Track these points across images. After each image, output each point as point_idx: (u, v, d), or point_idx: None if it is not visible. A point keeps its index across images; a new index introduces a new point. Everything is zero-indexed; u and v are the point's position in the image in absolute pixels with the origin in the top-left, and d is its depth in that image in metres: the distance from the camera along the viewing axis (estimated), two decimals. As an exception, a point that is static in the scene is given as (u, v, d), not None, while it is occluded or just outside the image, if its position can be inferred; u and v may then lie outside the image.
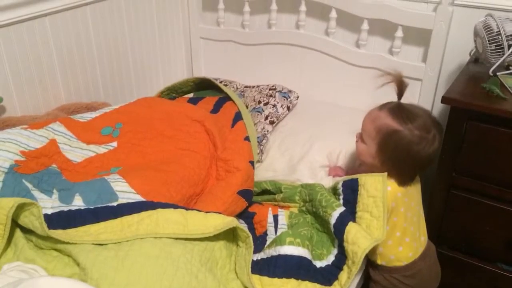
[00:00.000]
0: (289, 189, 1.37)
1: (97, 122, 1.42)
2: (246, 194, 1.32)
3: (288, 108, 1.71)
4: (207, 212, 1.12)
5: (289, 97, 1.72)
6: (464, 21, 1.52)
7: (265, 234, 1.28)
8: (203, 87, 1.79)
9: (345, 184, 1.24)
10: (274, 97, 1.70)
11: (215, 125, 1.45)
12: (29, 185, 1.18)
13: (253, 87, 1.81)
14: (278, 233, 1.25)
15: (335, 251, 1.18)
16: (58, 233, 1.03)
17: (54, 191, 1.18)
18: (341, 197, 1.23)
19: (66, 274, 1.00)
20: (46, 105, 1.54)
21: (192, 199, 1.29)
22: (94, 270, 0.94)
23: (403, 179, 1.18)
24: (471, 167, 1.30)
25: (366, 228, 1.14)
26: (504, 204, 1.29)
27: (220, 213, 1.15)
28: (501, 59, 1.31)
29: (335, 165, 1.50)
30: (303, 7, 1.74)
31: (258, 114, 1.66)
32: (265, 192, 1.43)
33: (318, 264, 1.16)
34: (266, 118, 1.64)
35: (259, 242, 1.24)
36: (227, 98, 1.65)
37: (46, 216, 1.07)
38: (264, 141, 1.60)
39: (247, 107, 1.70)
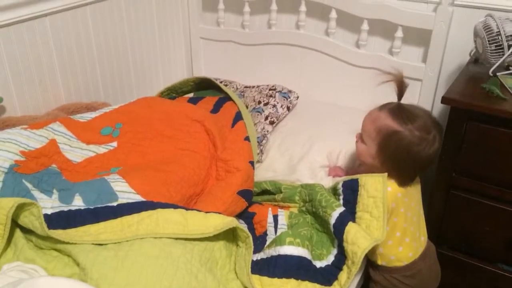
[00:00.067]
0: (289, 189, 1.37)
1: (97, 122, 1.42)
2: (246, 194, 1.32)
3: (288, 108, 1.71)
4: (207, 212, 1.12)
5: (289, 97, 1.72)
6: (464, 22, 1.52)
7: (265, 234, 1.28)
8: (203, 87, 1.79)
9: (345, 184, 1.24)
10: (274, 97, 1.70)
11: (215, 125, 1.45)
12: (29, 185, 1.18)
13: (253, 87, 1.81)
14: (278, 233, 1.25)
15: (335, 251, 1.18)
16: (58, 233, 1.03)
17: (54, 191, 1.18)
18: (341, 197, 1.23)
19: (66, 274, 1.00)
20: (46, 105, 1.54)
21: (192, 199, 1.29)
22: (94, 270, 0.94)
23: (403, 180, 1.18)
24: (471, 167, 1.30)
25: (366, 229, 1.14)
26: (504, 204, 1.29)
27: (220, 213, 1.15)
28: (501, 60, 1.31)
29: (335, 165, 1.50)
30: (303, 7, 1.74)
31: (258, 114, 1.66)
32: (265, 192, 1.43)
33: (318, 264, 1.16)
34: (266, 118, 1.64)
35: (259, 242, 1.24)
36: (227, 98, 1.65)
37: (46, 216, 1.07)
38: (264, 141, 1.60)
39: (247, 107, 1.70)
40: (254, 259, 1.16)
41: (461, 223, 1.38)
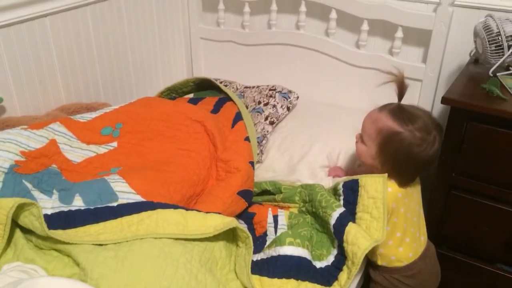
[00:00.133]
0: (289, 190, 1.37)
1: (97, 122, 1.42)
2: (246, 194, 1.32)
3: (288, 109, 1.71)
4: (207, 212, 1.12)
5: (289, 98, 1.72)
6: (464, 22, 1.52)
7: (265, 234, 1.28)
8: (203, 88, 1.79)
9: (346, 185, 1.24)
10: (274, 97, 1.70)
11: (215, 125, 1.45)
12: (29, 185, 1.18)
13: (253, 87, 1.81)
14: (278, 233, 1.25)
15: (335, 251, 1.18)
16: (58, 234, 1.03)
17: (54, 191, 1.18)
18: (341, 197, 1.23)
19: (66, 274, 1.00)
20: (46, 106, 1.54)
21: (192, 199, 1.29)
22: (94, 270, 0.94)
23: (404, 180, 1.18)
24: (471, 167, 1.30)
25: (366, 229, 1.14)
26: (504, 204, 1.29)
27: (220, 213, 1.15)
28: (501, 60, 1.31)
29: (335, 165, 1.50)
30: (303, 8, 1.74)
31: (258, 115, 1.66)
32: (265, 192, 1.43)
33: (318, 264, 1.16)
34: (266, 118, 1.64)
35: (259, 243, 1.24)
36: (227, 98, 1.65)
37: (46, 217, 1.07)
38: (264, 141, 1.60)
39: (247, 107, 1.70)
40: (254, 259, 1.16)
41: (461, 223, 1.38)
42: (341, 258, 1.14)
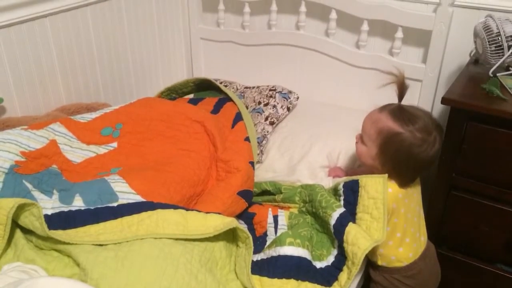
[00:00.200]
0: (289, 190, 1.37)
1: (97, 122, 1.42)
2: (246, 194, 1.32)
3: (288, 109, 1.71)
4: (207, 212, 1.12)
5: (289, 98, 1.72)
6: (464, 22, 1.52)
7: (265, 234, 1.28)
8: (203, 88, 1.79)
9: (346, 185, 1.24)
10: (274, 97, 1.70)
11: (215, 125, 1.45)
12: (29, 186, 1.18)
13: (253, 88, 1.82)
14: (278, 233, 1.25)
15: (335, 251, 1.18)
16: (58, 234, 1.03)
17: (54, 191, 1.18)
18: (342, 198, 1.23)
19: (66, 274, 1.00)
20: (46, 106, 1.54)
21: (192, 199, 1.29)
22: (94, 271, 0.94)
23: (404, 181, 1.18)
24: (471, 168, 1.30)
25: (366, 230, 1.14)
26: (504, 205, 1.29)
27: (220, 213, 1.15)
28: (501, 60, 1.31)
29: (335, 165, 1.50)
30: (303, 8, 1.74)
31: (258, 115, 1.66)
32: (265, 192, 1.43)
33: (318, 264, 1.16)
34: (266, 118, 1.64)
35: (259, 243, 1.24)
36: (227, 99, 1.65)
37: (46, 217, 1.07)
38: (264, 141, 1.60)
39: (247, 107, 1.70)
40: (254, 259, 1.16)
41: (461, 223, 1.38)
42: (341, 258, 1.14)
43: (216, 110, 1.60)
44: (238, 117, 1.55)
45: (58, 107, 1.57)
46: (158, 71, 2.01)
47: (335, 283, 1.13)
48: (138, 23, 1.83)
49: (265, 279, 1.10)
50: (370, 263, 1.26)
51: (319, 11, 1.76)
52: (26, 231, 1.08)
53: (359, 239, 1.10)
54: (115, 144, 1.40)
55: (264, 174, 1.52)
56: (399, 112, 1.16)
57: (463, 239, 1.41)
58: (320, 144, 1.54)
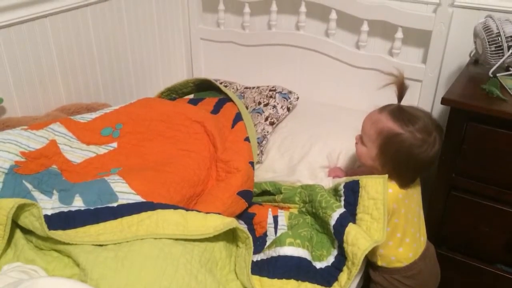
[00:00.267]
0: (289, 190, 1.37)
1: (97, 122, 1.42)
2: (246, 195, 1.32)
3: (288, 109, 1.71)
4: (207, 213, 1.12)
5: (289, 98, 1.72)
6: (464, 23, 1.52)
7: (265, 235, 1.28)
8: (203, 88, 1.79)
9: (347, 185, 1.24)
10: (274, 98, 1.70)
11: (215, 126, 1.45)
12: (29, 186, 1.18)
13: (253, 88, 1.82)
14: (278, 234, 1.25)
15: (335, 252, 1.18)
16: (58, 234, 1.03)
17: (54, 191, 1.18)
18: (342, 198, 1.23)
19: (66, 274, 1.00)
20: (46, 106, 1.54)
21: (192, 199, 1.29)
22: (94, 271, 0.94)
23: (404, 181, 1.18)
24: (471, 168, 1.30)
25: (366, 230, 1.14)
26: (504, 205, 1.29)
27: (220, 213, 1.15)
28: (501, 61, 1.31)
29: (335, 166, 1.50)
30: (303, 8, 1.74)
31: (258, 115, 1.66)
32: (265, 193, 1.43)
33: (318, 265, 1.16)
34: (266, 119, 1.64)
35: (259, 243, 1.24)
36: (227, 99, 1.66)
37: (46, 217, 1.07)
38: (264, 142, 1.60)
39: (247, 108, 1.70)
40: (254, 259, 1.16)
41: (461, 224, 1.38)
42: (341, 258, 1.14)
43: (216, 110, 1.60)
44: (238, 117, 1.55)
45: (58, 107, 1.57)
46: (158, 71, 2.01)
47: (335, 284, 1.13)
48: (138, 23, 1.83)
49: (265, 279, 1.10)
50: (370, 263, 1.26)
51: (319, 12, 1.77)
52: (26, 231, 1.08)
53: (359, 240, 1.10)
54: (115, 144, 1.40)
55: (264, 174, 1.52)
56: (399, 112, 1.16)
57: (463, 240, 1.41)
58: (320, 144, 1.54)
